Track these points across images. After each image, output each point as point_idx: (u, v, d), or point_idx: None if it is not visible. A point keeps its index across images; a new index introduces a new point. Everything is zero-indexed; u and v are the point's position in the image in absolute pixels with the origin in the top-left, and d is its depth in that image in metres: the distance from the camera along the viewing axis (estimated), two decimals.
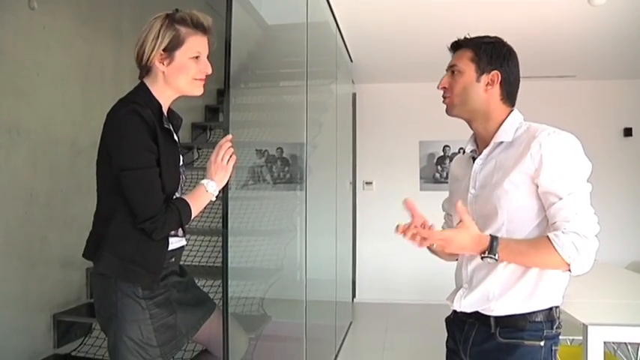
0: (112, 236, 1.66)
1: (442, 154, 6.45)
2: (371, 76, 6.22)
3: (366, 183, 6.58)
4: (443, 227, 1.87)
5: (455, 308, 1.66)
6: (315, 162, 3.68)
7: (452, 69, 1.64)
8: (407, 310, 6.08)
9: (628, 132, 6.08)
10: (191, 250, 3.37)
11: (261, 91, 4.26)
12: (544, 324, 1.52)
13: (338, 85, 4.93)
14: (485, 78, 1.59)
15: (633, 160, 6.14)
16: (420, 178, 6.49)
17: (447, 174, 6.75)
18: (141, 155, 1.60)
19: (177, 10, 1.72)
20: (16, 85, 2.72)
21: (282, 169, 3.98)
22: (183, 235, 1.86)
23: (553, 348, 1.54)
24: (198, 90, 1.77)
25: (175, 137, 1.80)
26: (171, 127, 1.77)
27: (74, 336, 3.01)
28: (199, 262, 3.34)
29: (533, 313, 1.52)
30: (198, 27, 1.71)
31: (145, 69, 1.72)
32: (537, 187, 1.48)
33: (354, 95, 6.47)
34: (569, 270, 1.42)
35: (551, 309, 1.54)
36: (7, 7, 2.64)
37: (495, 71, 1.59)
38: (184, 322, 1.85)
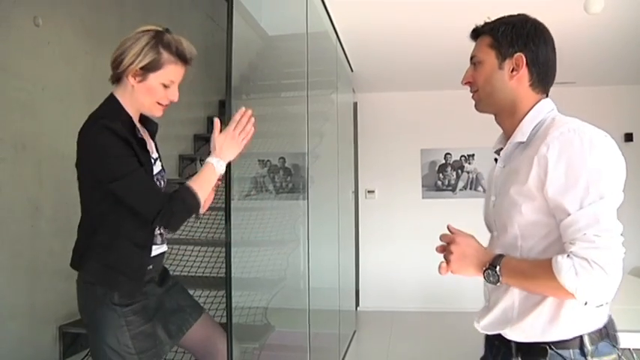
0: (97, 245, 1.72)
1: (444, 161, 6.47)
2: (372, 85, 6.25)
3: (369, 191, 6.60)
4: None
5: (478, 328, 1.47)
6: (317, 171, 3.70)
7: (472, 60, 1.46)
8: (411, 318, 6.07)
9: (629, 137, 6.09)
10: (194, 261, 3.39)
11: (263, 101, 4.30)
12: (572, 352, 1.26)
13: (339, 94, 4.95)
14: (508, 63, 1.37)
15: (634, 166, 6.05)
16: (422, 186, 6.51)
17: (449, 182, 6.71)
18: (123, 162, 1.63)
19: (167, 30, 1.73)
20: (21, 100, 2.75)
21: (285, 178, 4.01)
22: (162, 243, 1.88)
23: None
24: (157, 112, 1.79)
25: (149, 147, 1.82)
26: (145, 136, 1.80)
27: (80, 347, 3.01)
28: (203, 272, 3.36)
29: (559, 342, 1.27)
30: (180, 57, 1.72)
31: (117, 76, 1.74)
32: (546, 199, 1.24)
33: (355, 104, 6.49)
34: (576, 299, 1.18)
35: (581, 337, 1.26)
36: (12, 24, 2.68)
37: (519, 53, 1.36)
38: (165, 330, 1.88)
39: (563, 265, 1.16)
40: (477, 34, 1.46)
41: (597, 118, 6.34)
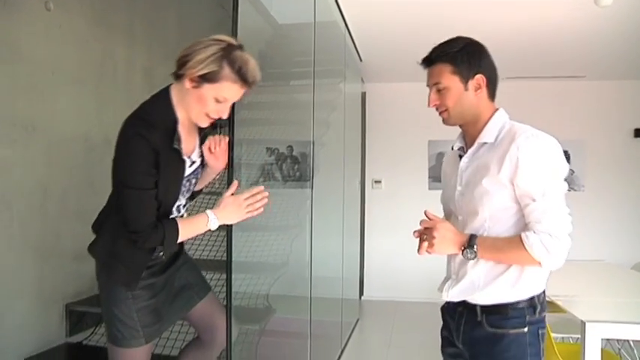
0: (111, 226, 1.79)
1: None
2: (380, 75, 6.25)
3: (375, 181, 6.63)
4: None
5: (444, 298, 1.77)
6: (323, 160, 3.73)
7: (436, 86, 1.68)
8: (414, 308, 6.08)
9: (638, 133, 6.07)
10: (199, 245, 3.45)
11: (272, 89, 4.33)
12: (526, 310, 1.59)
13: (347, 84, 4.97)
14: (471, 84, 1.64)
15: None
16: (429, 177, 6.53)
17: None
18: (139, 177, 1.66)
19: (240, 46, 1.71)
20: (32, 83, 2.81)
21: (292, 166, 4.04)
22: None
23: (539, 332, 1.62)
24: (202, 123, 1.78)
25: (185, 154, 1.81)
26: (187, 138, 1.80)
27: (85, 325, 3.10)
28: (207, 256, 3.42)
29: (516, 302, 1.59)
30: (241, 77, 1.68)
31: (178, 74, 1.72)
32: (514, 188, 1.54)
33: (363, 94, 6.51)
34: (541, 266, 1.52)
35: (532, 297, 1.61)
36: (24, 9, 2.73)
37: (479, 75, 1.64)
38: (170, 306, 1.94)
39: (533, 240, 1.49)
40: (431, 61, 1.69)
41: (607, 112, 6.34)
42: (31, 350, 2.79)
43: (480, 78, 1.64)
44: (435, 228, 1.61)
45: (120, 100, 3.56)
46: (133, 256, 1.77)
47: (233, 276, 2.18)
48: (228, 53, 1.66)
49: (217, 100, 1.70)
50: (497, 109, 1.70)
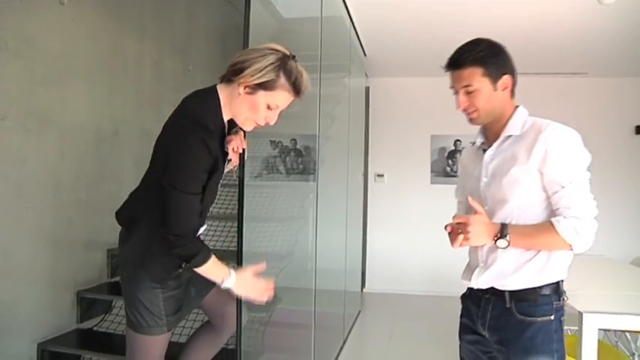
0: (150, 222, 1.80)
1: (453, 148, 6.54)
2: (384, 70, 6.31)
3: (378, 175, 6.70)
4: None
5: (472, 285, 1.82)
6: (328, 153, 3.78)
7: (466, 89, 1.74)
8: (415, 301, 6.19)
9: (639, 130, 6.12)
10: (206, 235, 3.52)
11: None
12: (552, 296, 1.70)
13: (351, 78, 5.02)
14: (500, 84, 1.73)
15: None
16: (431, 171, 6.59)
17: (458, 168, 6.81)
18: (191, 182, 1.68)
19: (294, 57, 1.76)
20: (46, 75, 2.87)
21: (296, 160, 4.10)
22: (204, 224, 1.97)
23: (561, 319, 1.72)
24: (248, 128, 1.83)
25: (230, 154, 1.88)
26: (228, 148, 1.85)
27: (96, 312, 3.17)
28: (214, 245, 3.49)
29: (543, 286, 1.69)
30: (295, 88, 1.75)
31: (229, 79, 1.76)
32: (543, 176, 1.64)
33: (367, 89, 6.57)
34: (572, 249, 1.63)
35: (557, 282, 1.71)
36: (39, 2, 2.78)
37: (506, 75, 1.73)
38: (188, 296, 2.00)
39: (565, 224, 1.59)
40: (458, 65, 1.74)
41: (608, 109, 6.40)
42: (45, 335, 2.87)
43: (507, 78, 1.73)
44: (468, 222, 1.67)
45: (129, 92, 3.63)
46: (169, 255, 1.77)
47: (243, 265, 2.25)
48: (284, 64, 1.72)
49: (269, 107, 1.75)
50: (517, 106, 1.80)
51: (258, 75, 1.68)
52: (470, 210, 1.78)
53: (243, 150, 2.01)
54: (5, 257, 2.64)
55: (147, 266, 1.83)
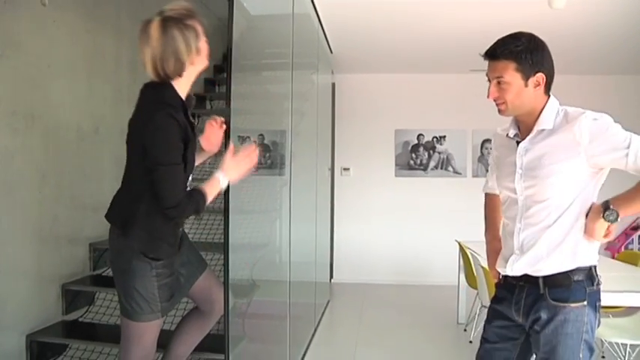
0: (143, 214, 1.95)
1: (416, 142, 6.78)
2: (350, 66, 6.48)
3: (344, 169, 6.89)
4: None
5: (507, 273, 1.87)
6: (297, 148, 3.89)
7: (497, 80, 1.77)
8: (381, 290, 6.40)
9: None
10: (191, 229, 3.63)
11: (244, 79, 4.48)
12: (585, 282, 1.75)
13: (319, 75, 5.16)
14: (532, 81, 1.75)
15: None
16: (396, 164, 6.83)
17: (421, 161, 7.04)
18: (171, 154, 1.86)
19: (162, 11, 1.91)
20: (31, 75, 2.94)
21: (264, 155, 4.22)
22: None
23: (597, 304, 1.77)
24: (206, 62, 2.03)
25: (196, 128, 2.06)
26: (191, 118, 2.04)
27: (80, 304, 3.26)
28: (198, 239, 3.62)
29: (575, 270, 1.74)
30: (192, 13, 1.94)
31: (179, 74, 1.93)
32: (591, 162, 1.68)
33: (333, 85, 6.74)
34: None
35: (590, 268, 1.76)
36: (21, 4, 2.85)
37: (540, 73, 1.74)
38: (181, 283, 2.15)
39: None
40: (495, 55, 1.78)
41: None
42: (33, 327, 2.95)
43: (540, 76, 1.74)
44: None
45: (108, 91, 3.69)
46: (169, 228, 1.99)
47: (225, 255, 2.40)
48: (179, 19, 1.91)
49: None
50: (548, 98, 1.81)
51: (191, 43, 1.89)
52: (510, 199, 1.87)
53: (227, 128, 2.21)
54: None
55: (157, 249, 1.97)
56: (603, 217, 1.69)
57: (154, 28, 1.88)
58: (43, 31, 3.03)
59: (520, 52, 1.73)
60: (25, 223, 2.92)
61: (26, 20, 2.91)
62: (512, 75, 1.74)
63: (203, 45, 1.96)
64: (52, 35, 3.11)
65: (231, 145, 2.09)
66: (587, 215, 1.74)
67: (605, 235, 1.74)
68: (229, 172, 2.03)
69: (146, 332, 2.02)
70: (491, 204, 2.18)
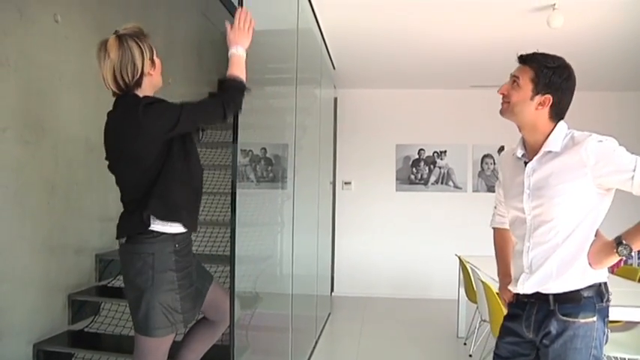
0: (159, 188, 1.99)
1: (417, 157, 6.86)
2: (352, 82, 6.57)
3: (345, 183, 6.95)
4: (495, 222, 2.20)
5: (518, 291, 1.90)
6: (300, 162, 3.95)
7: (514, 79, 1.83)
8: (382, 303, 6.44)
9: None
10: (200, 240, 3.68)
11: (248, 94, 4.55)
12: (595, 298, 1.77)
13: (321, 90, 5.24)
14: (538, 98, 1.79)
15: None
16: (396, 179, 6.89)
17: (422, 176, 7.09)
18: (173, 106, 1.97)
19: (117, 31, 2.04)
20: (41, 88, 3.02)
21: (266, 168, 4.27)
22: None
23: (605, 320, 1.79)
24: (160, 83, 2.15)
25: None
26: None
27: (85, 314, 3.31)
28: (202, 251, 3.66)
29: (585, 289, 1.77)
30: (145, 33, 2.06)
31: (138, 83, 2.03)
32: (597, 182, 1.70)
33: (335, 100, 6.82)
34: None
35: (600, 285, 1.78)
36: (35, 20, 2.93)
37: (548, 95, 1.77)
38: (200, 294, 2.21)
39: None
40: (524, 59, 1.84)
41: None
42: (39, 336, 2.99)
43: (547, 98, 1.78)
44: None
45: None
46: (187, 196, 2.07)
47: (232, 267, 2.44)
48: (135, 35, 2.05)
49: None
50: (556, 124, 1.83)
51: (146, 52, 2.02)
52: (518, 218, 1.90)
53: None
54: (4, 263, 2.76)
55: (176, 214, 2.01)
56: (617, 252, 1.72)
57: (111, 43, 2.01)
58: (54, 46, 3.11)
59: (544, 67, 1.78)
60: (33, 233, 2.98)
61: (39, 35, 2.99)
62: (526, 81, 1.79)
63: (157, 60, 2.08)
64: (63, 50, 3.19)
65: (227, 24, 2.14)
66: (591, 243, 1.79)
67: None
68: (240, 41, 2.11)
69: (162, 344, 2.06)
70: (500, 239, 2.19)
